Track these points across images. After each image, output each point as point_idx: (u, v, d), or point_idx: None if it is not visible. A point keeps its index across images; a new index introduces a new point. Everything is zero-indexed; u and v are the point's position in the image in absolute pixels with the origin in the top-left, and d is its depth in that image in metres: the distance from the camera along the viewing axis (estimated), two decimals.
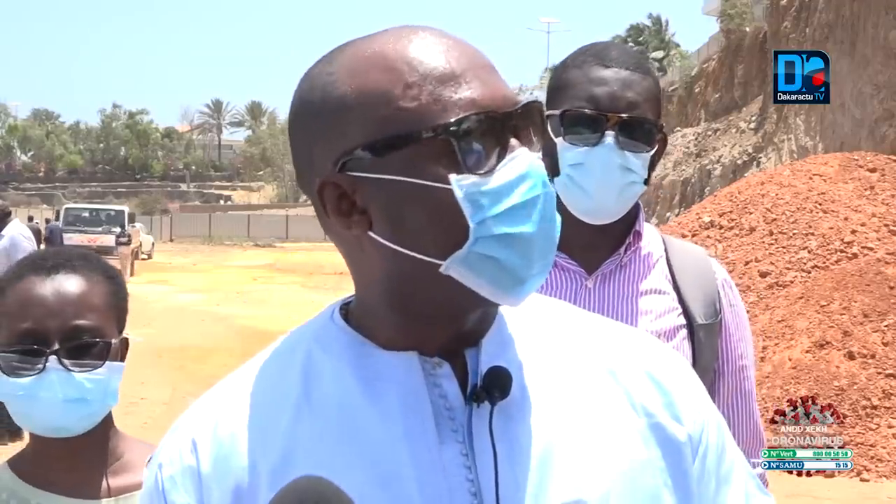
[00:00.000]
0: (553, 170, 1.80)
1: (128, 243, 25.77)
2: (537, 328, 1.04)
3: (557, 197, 1.83)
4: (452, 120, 0.92)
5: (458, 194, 0.91)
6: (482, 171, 0.92)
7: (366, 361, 0.99)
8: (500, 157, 0.93)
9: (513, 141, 0.94)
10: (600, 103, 1.75)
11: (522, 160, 0.93)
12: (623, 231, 1.85)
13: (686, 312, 1.84)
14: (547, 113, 1.83)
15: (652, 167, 1.81)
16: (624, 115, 1.74)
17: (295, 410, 0.98)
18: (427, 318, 0.98)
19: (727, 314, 1.89)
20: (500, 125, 0.93)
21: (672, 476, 1.01)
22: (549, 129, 1.80)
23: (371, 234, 0.95)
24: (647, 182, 1.80)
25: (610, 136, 1.74)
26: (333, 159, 0.95)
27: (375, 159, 0.93)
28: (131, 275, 25.61)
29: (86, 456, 1.61)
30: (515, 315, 1.04)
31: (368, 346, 1.00)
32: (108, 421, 1.64)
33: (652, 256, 1.87)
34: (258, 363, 1.05)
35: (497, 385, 0.95)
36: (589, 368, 1.03)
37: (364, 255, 0.98)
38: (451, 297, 0.95)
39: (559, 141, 1.78)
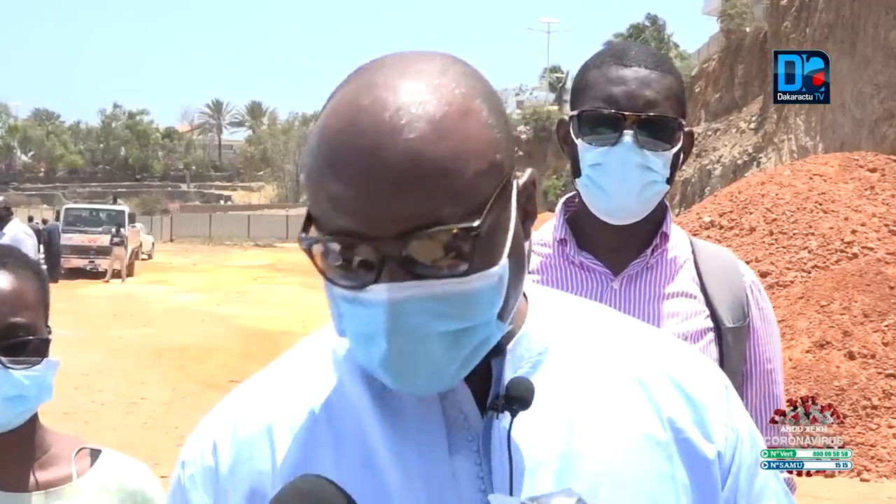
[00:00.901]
0: (575, 171, 1.80)
1: (121, 244, 25.64)
2: (566, 334, 1.03)
3: (582, 201, 1.82)
4: (309, 236, 0.90)
5: (327, 296, 0.92)
6: (343, 284, 0.89)
7: None
8: (358, 281, 0.89)
9: (365, 269, 0.88)
10: (618, 102, 1.72)
11: (371, 295, 0.87)
12: (650, 232, 1.83)
13: (714, 315, 1.81)
14: (567, 115, 1.83)
15: (675, 166, 1.78)
16: (642, 113, 1.72)
17: (311, 420, 1.00)
18: None
19: (755, 317, 1.86)
20: (361, 250, 0.88)
21: (696, 494, 0.99)
22: (571, 130, 1.80)
23: None
24: (669, 181, 1.77)
25: (628, 136, 1.72)
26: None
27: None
28: (130, 275, 25.60)
29: (13, 450, 1.61)
30: (546, 319, 1.03)
31: None
32: (33, 415, 1.63)
33: (679, 258, 1.85)
34: (278, 368, 1.06)
35: (519, 395, 0.93)
36: (617, 378, 1.01)
37: None
38: None
39: (579, 142, 1.77)
